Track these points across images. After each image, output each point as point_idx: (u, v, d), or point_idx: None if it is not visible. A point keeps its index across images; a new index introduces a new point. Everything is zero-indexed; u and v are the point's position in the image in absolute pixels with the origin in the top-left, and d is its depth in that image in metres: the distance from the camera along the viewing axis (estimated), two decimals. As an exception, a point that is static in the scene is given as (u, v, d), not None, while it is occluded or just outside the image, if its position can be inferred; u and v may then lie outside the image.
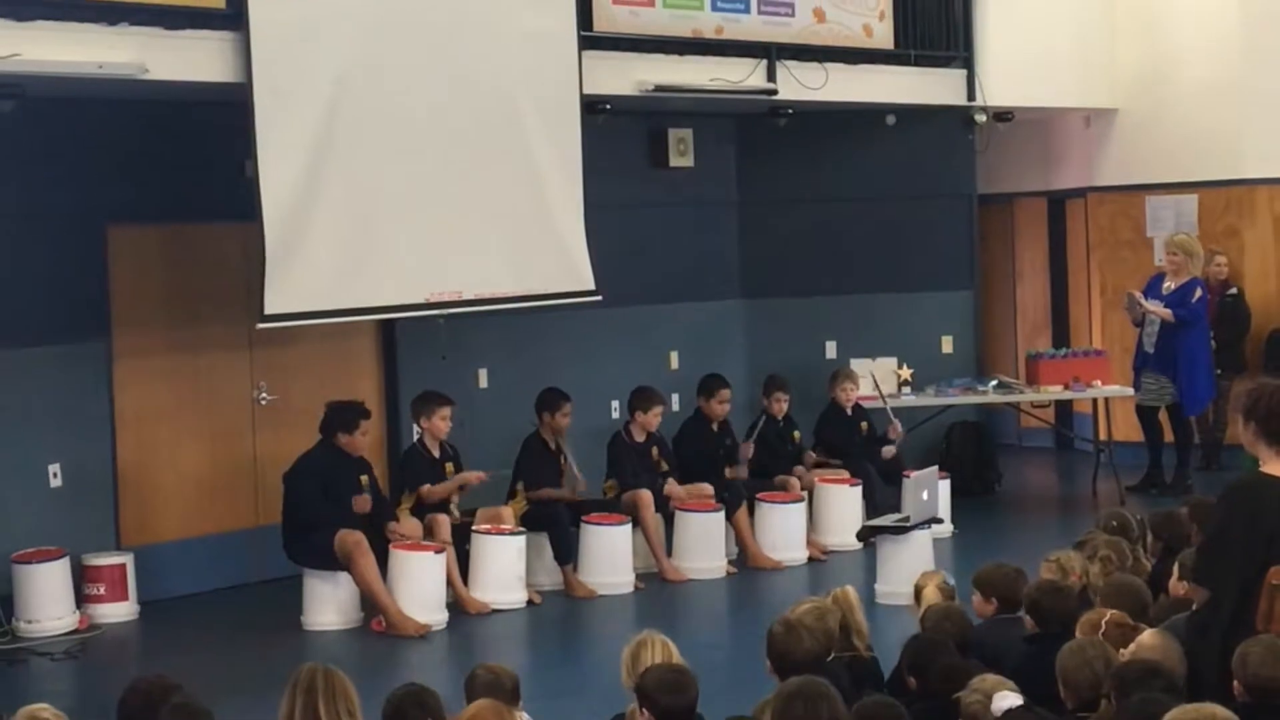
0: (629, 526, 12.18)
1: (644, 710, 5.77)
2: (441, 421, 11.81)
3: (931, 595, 7.79)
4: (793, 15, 13.76)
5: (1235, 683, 5.73)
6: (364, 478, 11.40)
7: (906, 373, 14.85)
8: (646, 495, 12.35)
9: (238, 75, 10.55)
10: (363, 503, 11.19)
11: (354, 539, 10.93)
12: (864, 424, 14.04)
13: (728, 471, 13.13)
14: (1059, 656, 6.10)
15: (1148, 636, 6.33)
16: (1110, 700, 5.82)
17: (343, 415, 11.35)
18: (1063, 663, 6.05)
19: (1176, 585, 7.43)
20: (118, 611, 11.36)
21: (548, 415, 12.39)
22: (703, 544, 12.44)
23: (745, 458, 13.25)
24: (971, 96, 15.00)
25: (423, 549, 11.13)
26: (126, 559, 11.50)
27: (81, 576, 11.29)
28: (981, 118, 15.06)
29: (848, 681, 6.55)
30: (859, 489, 13.25)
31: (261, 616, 11.52)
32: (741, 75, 13.37)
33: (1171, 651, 6.21)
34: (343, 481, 11.26)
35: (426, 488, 11.65)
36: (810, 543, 12.91)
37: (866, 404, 14.13)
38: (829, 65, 13.86)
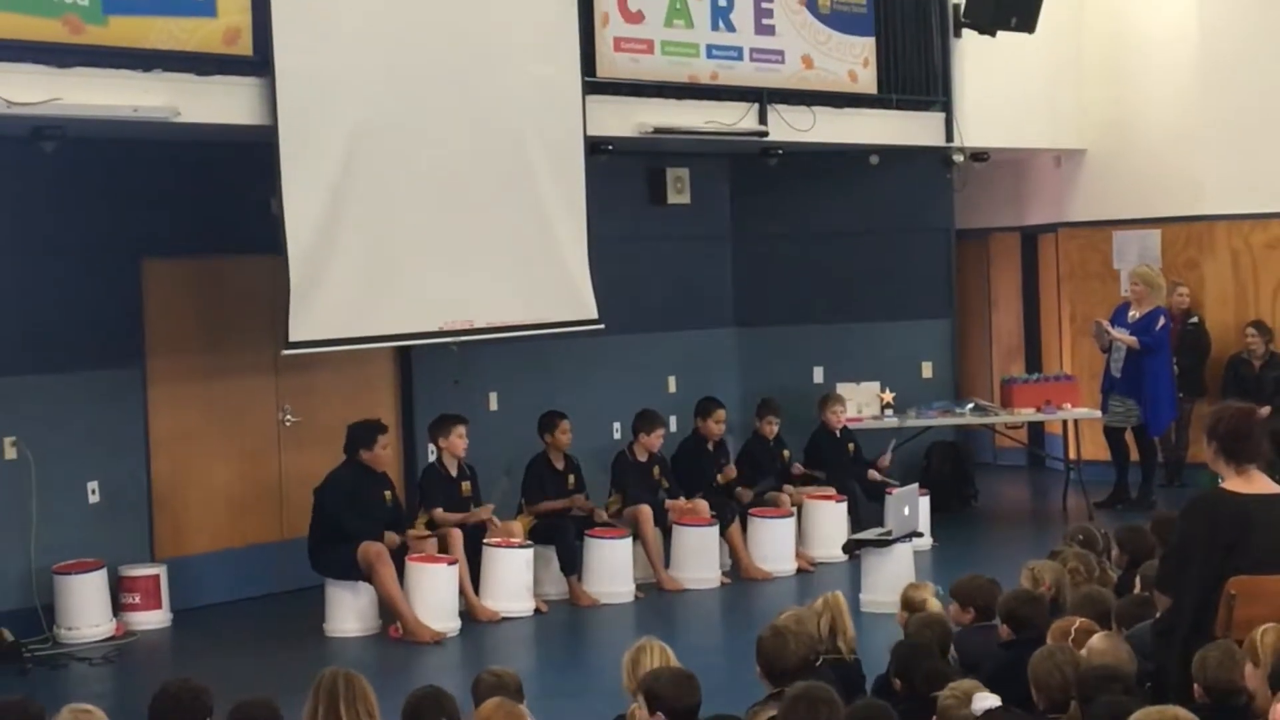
0: (630, 540, 12.20)
1: (655, 712, 5.78)
2: (458, 439, 11.82)
3: (934, 605, 7.80)
4: (783, 62, 13.79)
5: (1195, 685, 5.74)
6: (386, 492, 11.43)
7: (889, 396, 14.87)
8: (646, 510, 12.36)
9: (264, 119, 10.56)
10: (393, 540, 11.20)
11: (375, 550, 10.95)
12: (851, 445, 14.06)
13: (719, 478, 13.17)
14: (1031, 662, 6.09)
15: (1098, 640, 6.35)
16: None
17: (362, 433, 11.37)
18: (1034, 667, 6.04)
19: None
20: (152, 619, 11.37)
21: (548, 435, 12.41)
22: (699, 556, 12.44)
23: (728, 478, 13.27)
24: (950, 138, 15.03)
25: (437, 561, 11.14)
26: (160, 570, 11.52)
27: (118, 586, 11.30)
28: (959, 158, 15.08)
29: (835, 683, 6.56)
30: (844, 505, 13.26)
31: (286, 624, 11.52)
32: (735, 118, 13.40)
33: (1121, 651, 6.24)
34: (368, 495, 11.29)
35: (439, 512, 11.66)
36: (799, 555, 12.91)
37: (853, 426, 14.19)
38: (817, 109, 13.90)
